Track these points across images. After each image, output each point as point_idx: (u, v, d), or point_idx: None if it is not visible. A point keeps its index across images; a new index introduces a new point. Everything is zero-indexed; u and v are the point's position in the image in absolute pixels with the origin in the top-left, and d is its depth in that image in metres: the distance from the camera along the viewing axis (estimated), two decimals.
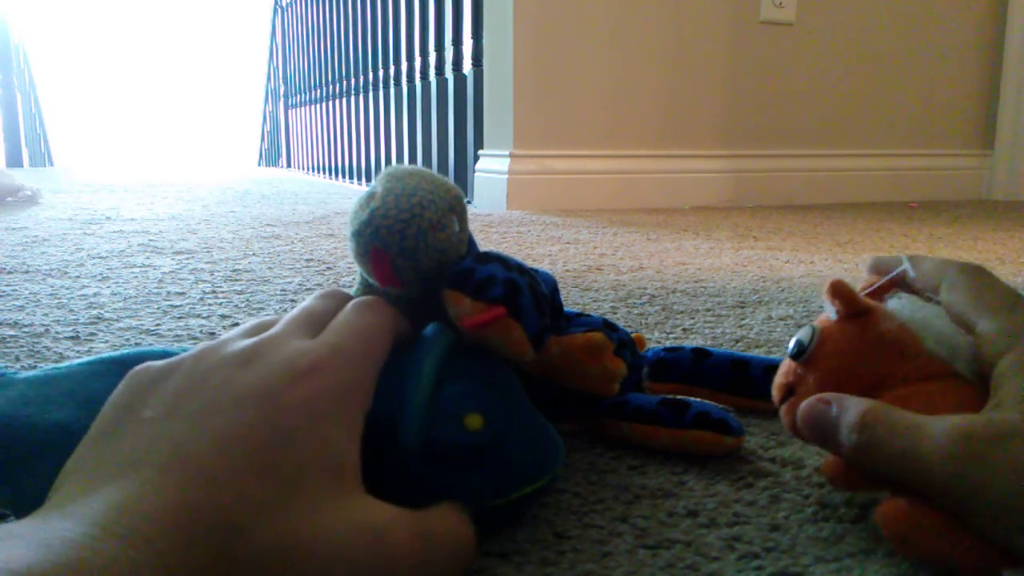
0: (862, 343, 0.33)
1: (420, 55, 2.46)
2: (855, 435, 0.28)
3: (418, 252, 0.33)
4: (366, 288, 0.37)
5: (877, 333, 0.33)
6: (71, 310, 0.74)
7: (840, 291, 0.33)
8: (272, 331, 0.30)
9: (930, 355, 0.31)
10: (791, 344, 0.35)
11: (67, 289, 0.84)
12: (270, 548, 0.24)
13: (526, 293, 0.33)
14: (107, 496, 0.23)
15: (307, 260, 1.06)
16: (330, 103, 3.62)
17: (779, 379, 0.36)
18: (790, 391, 0.35)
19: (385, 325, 0.32)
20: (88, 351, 0.60)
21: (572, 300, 0.81)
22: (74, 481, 0.24)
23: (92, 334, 0.65)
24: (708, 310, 0.77)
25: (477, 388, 0.32)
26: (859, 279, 0.37)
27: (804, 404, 0.31)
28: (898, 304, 0.34)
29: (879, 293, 0.36)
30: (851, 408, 0.29)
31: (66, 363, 0.34)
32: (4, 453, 0.30)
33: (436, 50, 2.32)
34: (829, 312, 0.34)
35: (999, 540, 0.25)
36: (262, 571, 0.24)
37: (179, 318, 0.72)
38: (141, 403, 0.27)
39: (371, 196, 0.34)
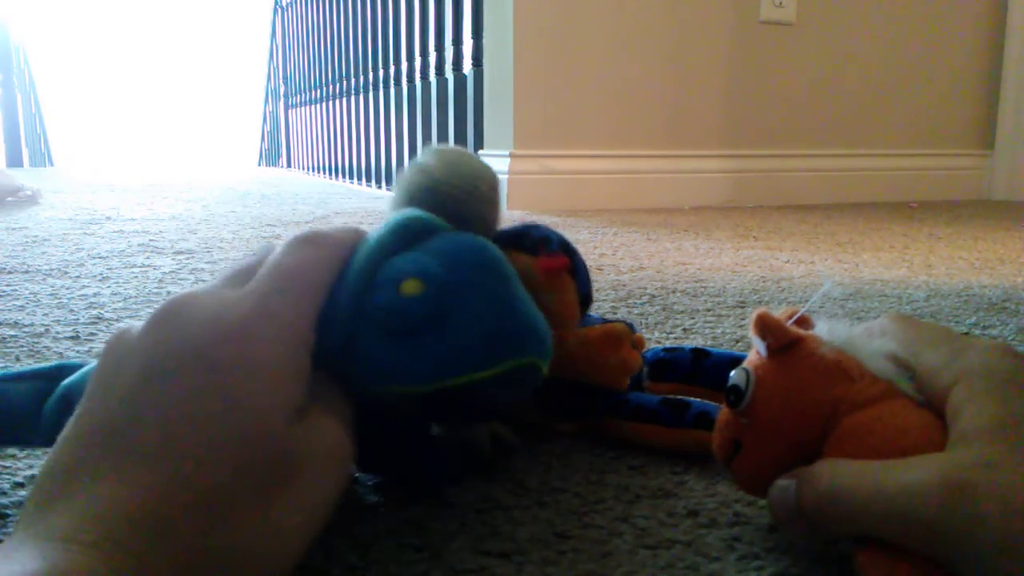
0: (802, 374, 0.30)
1: (420, 55, 2.46)
2: (817, 489, 0.27)
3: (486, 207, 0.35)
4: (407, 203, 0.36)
5: (815, 360, 0.30)
6: (71, 310, 0.74)
7: (766, 324, 0.31)
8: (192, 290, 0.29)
9: (874, 375, 0.29)
10: (727, 391, 0.32)
11: (67, 289, 0.84)
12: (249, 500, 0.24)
13: (579, 255, 0.34)
14: (68, 509, 0.22)
15: None
16: (330, 103, 3.62)
17: (721, 434, 0.33)
18: (736, 446, 0.32)
19: (322, 257, 0.30)
20: (88, 351, 0.60)
21: None
22: (32, 506, 0.23)
23: (92, 334, 0.65)
24: (708, 310, 0.77)
25: (424, 257, 0.31)
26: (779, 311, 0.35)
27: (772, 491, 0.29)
28: (827, 328, 0.31)
29: (803, 322, 0.33)
30: (807, 470, 0.28)
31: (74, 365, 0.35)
32: None
33: (436, 50, 2.32)
34: (759, 348, 0.31)
35: None
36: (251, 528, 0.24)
37: None
38: (82, 406, 0.26)
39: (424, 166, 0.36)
